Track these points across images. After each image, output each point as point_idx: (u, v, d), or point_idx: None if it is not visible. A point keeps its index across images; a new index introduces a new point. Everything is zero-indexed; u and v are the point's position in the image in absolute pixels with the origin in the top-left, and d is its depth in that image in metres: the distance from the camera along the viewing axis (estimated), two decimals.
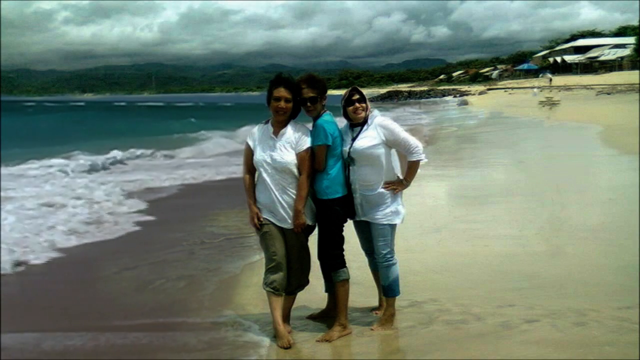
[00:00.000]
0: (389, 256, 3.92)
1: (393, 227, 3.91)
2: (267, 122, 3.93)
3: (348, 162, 3.86)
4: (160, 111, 67.22)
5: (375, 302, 4.33)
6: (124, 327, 4.32)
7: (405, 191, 3.97)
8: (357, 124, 3.90)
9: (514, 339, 3.66)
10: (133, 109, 79.48)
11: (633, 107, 22.46)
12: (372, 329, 3.96)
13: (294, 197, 3.78)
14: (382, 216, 3.86)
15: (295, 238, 3.85)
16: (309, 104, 3.80)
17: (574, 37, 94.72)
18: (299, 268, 3.92)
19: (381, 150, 3.82)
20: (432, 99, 63.22)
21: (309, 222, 3.85)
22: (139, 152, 16.68)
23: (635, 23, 72.83)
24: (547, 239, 6.14)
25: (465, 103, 47.68)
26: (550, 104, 32.48)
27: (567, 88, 47.36)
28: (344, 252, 3.91)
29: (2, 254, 5.85)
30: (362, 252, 4.25)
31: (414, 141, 3.85)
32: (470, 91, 65.87)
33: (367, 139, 3.82)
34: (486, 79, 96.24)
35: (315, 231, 3.94)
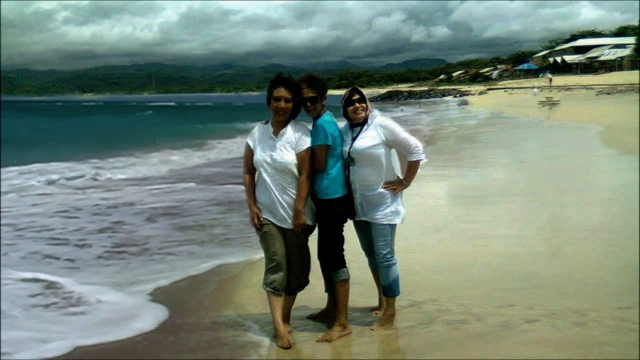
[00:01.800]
0: (389, 256, 3.92)
1: (393, 227, 3.91)
2: (267, 122, 3.93)
3: (348, 162, 3.86)
4: (192, 111, 64.96)
5: (375, 302, 4.33)
6: None
7: (405, 191, 3.97)
8: (357, 124, 3.89)
9: (514, 339, 3.66)
10: (160, 109, 75.95)
11: (633, 107, 22.47)
12: (372, 329, 3.96)
13: (294, 197, 3.77)
14: (382, 216, 3.86)
15: (295, 238, 3.85)
16: (309, 104, 3.80)
17: (574, 37, 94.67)
18: (299, 268, 3.92)
19: (381, 150, 3.82)
20: (432, 99, 63.23)
21: (309, 222, 3.85)
22: None
23: (635, 23, 72.90)
24: (547, 239, 6.14)
25: (465, 103, 47.68)
26: (550, 104, 32.46)
27: (567, 88, 47.34)
28: (344, 252, 3.91)
29: None
30: (362, 252, 4.25)
31: (414, 141, 3.85)
32: (470, 91, 65.86)
33: (367, 139, 3.81)
34: (486, 79, 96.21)
35: (315, 231, 3.94)
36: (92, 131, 30.45)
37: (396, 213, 3.89)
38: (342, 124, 3.98)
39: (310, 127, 3.87)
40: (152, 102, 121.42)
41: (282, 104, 3.75)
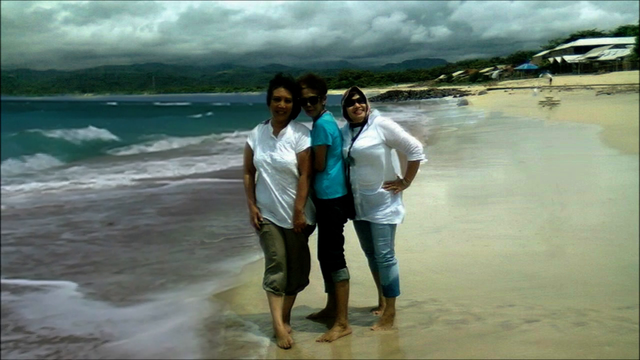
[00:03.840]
0: (389, 256, 3.92)
1: (393, 227, 3.91)
2: (267, 122, 3.93)
3: (348, 162, 3.86)
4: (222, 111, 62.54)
5: (375, 302, 4.33)
6: None
7: (405, 191, 3.97)
8: (357, 124, 3.90)
9: (514, 339, 3.66)
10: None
11: (633, 107, 22.46)
12: (372, 329, 3.96)
13: (294, 197, 3.78)
14: (382, 216, 3.86)
15: (295, 238, 3.85)
16: (309, 104, 3.80)
17: (574, 37, 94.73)
18: (299, 268, 3.92)
19: (381, 150, 3.82)
20: (432, 99, 63.21)
21: (309, 222, 3.85)
22: None
23: (635, 23, 72.99)
24: (547, 239, 6.14)
25: (465, 103, 47.68)
26: (550, 104, 32.47)
27: (567, 88, 47.35)
28: (344, 252, 3.91)
29: None
30: (362, 252, 4.25)
31: (414, 141, 3.85)
32: (470, 91, 65.86)
33: (367, 139, 3.82)
34: (486, 79, 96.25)
35: (315, 231, 3.94)
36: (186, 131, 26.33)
37: (396, 213, 3.89)
38: (342, 124, 3.99)
39: (310, 127, 3.87)
40: (153, 102, 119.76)
41: (282, 104, 3.75)
